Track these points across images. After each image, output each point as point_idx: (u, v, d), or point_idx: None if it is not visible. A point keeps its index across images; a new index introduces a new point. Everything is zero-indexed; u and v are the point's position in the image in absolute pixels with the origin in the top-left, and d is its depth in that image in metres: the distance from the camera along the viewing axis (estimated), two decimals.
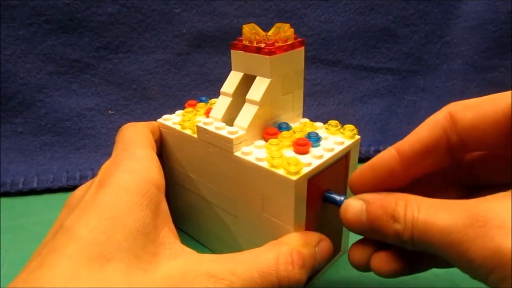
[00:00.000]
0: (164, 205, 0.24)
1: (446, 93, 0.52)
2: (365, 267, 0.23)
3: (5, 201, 0.40)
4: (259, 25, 0.27)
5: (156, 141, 0.30)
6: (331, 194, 0.25)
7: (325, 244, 0.24)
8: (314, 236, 0.24)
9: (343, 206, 0.22)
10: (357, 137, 0.27)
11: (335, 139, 0.26)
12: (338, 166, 0.27)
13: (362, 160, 0.46)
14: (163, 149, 0.32)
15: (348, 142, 0.26)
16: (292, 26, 0.27)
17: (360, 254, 0.23)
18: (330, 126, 0.28)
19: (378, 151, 0.46)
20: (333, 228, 0.28)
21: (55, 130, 0.46)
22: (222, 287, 0.20)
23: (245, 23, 0.27)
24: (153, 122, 0.31)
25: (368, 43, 0.51)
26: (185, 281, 0.20)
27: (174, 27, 0.47)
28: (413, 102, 0.51)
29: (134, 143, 0.26)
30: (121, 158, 0.24)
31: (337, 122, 0.28)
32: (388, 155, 0.22)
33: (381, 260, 0.22)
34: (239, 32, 0.27)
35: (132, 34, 0.47)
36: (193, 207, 0.32)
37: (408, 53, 0.51)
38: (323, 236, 0.25)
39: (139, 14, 0.46)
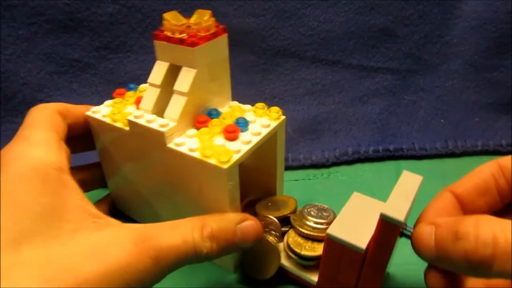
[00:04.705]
0: (73, 184, 0.23)
1: (446, 93, 0.51)
2: None
3: None
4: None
5: (70, 125, 0.29)
6: (406, 230, 0.23)
7: (249, 223, 0.25)
8: (236, 215, 0.25)
9: (415, 232, 0.21)
10: (282, 117, 0.28)
11: (262, 122, 0.28)
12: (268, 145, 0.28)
13: (362, 160, 0.46)
14: (96, 141, 0.31)
15: (274, 124, 0.28)
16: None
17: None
18: (257, 108, 0.29)
19: (377, 151, 0.46)
20: None
21: None
22: (147, 248, 0.20)
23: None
24: (66, 104, 0.29)
25: (368, 43, 0.51)
26: (109, 249, 0.20)
27: None
28: (413, 102, 0.51)
29: (34, 125, 0.26)
30: (16, 145, 0.24)
31: (264, 104, 0.29)
32: (446, 198, 0.23)
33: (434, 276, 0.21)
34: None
35: (132, 34, 0.47)
36: (135, 195, 0.32)
37: (408, 53, 0.51)
38: (249, 217, 0.26)
39: (139, 14, 0.46)
